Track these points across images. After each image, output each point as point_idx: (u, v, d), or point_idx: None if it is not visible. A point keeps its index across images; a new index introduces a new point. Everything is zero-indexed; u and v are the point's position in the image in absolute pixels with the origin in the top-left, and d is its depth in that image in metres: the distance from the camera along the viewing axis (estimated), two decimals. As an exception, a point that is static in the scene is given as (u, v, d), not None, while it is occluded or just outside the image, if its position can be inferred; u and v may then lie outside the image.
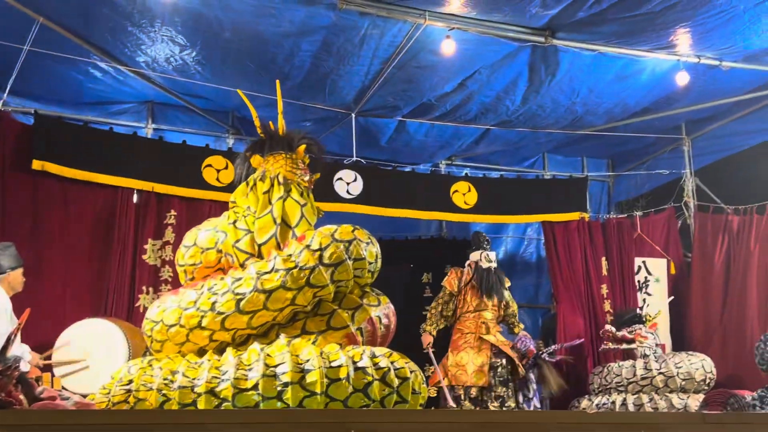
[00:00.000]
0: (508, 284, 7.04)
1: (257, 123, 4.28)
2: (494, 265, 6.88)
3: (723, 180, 8.45)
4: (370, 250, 3.93)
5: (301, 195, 4.11)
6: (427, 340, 6.68)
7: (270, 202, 4.04)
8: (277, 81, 4.38)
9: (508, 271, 9.36)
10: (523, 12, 5.97)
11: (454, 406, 6.17)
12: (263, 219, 3.98)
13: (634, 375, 6.83)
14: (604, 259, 8.21)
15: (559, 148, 9.09)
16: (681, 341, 7.89)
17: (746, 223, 7.81)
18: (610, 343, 7.30)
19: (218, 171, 6.96)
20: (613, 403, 6.78)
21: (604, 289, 8.11)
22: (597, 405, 6.84)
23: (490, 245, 7.05)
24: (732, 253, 7.88)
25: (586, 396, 7.18)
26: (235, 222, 4.04)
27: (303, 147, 4.26)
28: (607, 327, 7.40)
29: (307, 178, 4.18)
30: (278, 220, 3.95)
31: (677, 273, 8.29)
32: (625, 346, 7.19)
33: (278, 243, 3.91)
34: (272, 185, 4.08)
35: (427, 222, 8.83)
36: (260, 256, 3.92)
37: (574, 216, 8.29)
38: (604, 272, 8.17)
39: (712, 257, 8.02)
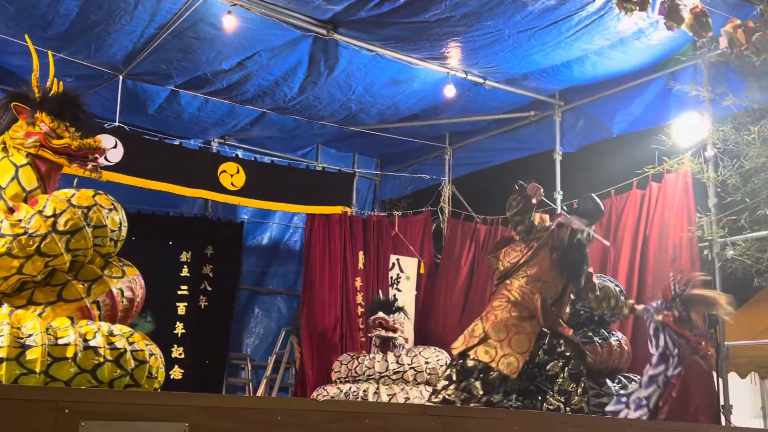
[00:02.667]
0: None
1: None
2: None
3: (475, 190, 9.09)
4: (113, 218, 3.67)
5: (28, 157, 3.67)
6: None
7: None
8: (27, 36, 3.96)
9: (272, 257, 9.43)
10: (307, 2, 5.98)
11: None
12: None
13: (387, 369, 7.02)
14: (361, 253, 8.48)
15: (332, 142, 9.25)
16: (423, 336, 8.37)
17: (491, 232, 8.44)
18: (382, 330, 7.34)
19: (-46, 118, 6.19)
20: (365, 391, 6.91)
21: (359, 282, 8.39)
22: (345, 393, 6.95)
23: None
24: (477, 260, 8.48)
25: (334, 383, 7.33)
26: None
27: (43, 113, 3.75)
28: (381, 314, 7.38)
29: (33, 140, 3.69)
30: None
31: (427, 272, 8.77)
32: (392, 334, 7.33)
33: None
34: None
35: (192, 199, 8.56)
36: None
37: (338, 210, 8.49)
38: (360, 266, 8.45)
39: (459, 261, 8.57)
